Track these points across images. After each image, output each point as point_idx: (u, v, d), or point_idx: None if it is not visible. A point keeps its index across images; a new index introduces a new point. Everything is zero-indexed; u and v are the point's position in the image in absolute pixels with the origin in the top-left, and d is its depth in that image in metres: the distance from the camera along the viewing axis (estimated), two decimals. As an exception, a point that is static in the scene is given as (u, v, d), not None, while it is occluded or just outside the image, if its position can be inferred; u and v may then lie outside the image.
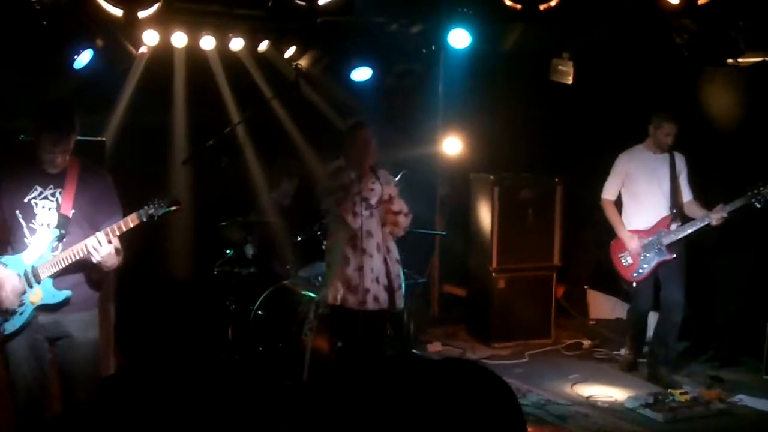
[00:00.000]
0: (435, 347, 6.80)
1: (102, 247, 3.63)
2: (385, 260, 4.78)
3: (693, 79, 6.30)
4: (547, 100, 7.10)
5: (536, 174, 7.16)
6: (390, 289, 4.79)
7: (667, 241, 5.69)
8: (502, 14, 5.07)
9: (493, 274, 6.92)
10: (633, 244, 5.78)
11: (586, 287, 7.77)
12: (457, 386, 1.31)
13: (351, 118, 5.02)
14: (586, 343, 6.94)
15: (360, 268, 4.65)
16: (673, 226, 5.72)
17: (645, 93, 6.48)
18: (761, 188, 5.35)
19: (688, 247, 5.81)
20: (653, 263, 5.75)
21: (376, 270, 4.71)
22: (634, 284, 5.93)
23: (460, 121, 7.58)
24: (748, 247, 6.28)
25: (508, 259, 6.96)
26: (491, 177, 6.96)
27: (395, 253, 4.88)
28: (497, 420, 1.31)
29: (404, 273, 6.01)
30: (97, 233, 3.65)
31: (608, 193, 5.98)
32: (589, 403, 5.52)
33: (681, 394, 5.39)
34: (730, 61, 5.63)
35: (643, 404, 5.31)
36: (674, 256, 5.69)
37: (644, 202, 5.82)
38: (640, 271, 5.80)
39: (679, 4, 4.57)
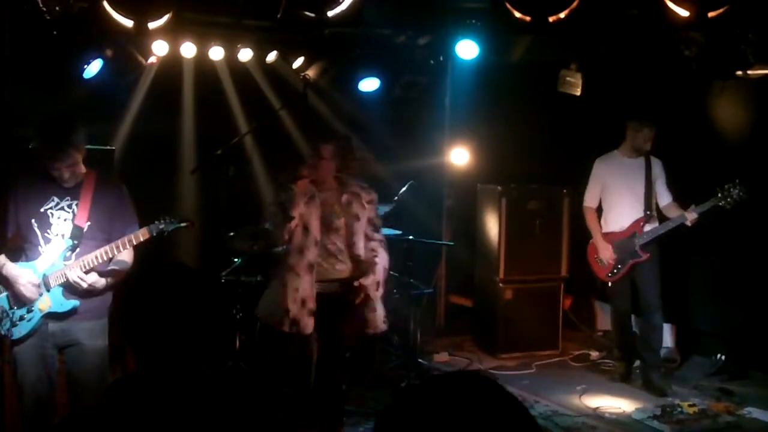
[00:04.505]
0: (441, 357, 6.79)
1: (88, 277, 3.75)
2: None
3: (701, 92, 6.29)
4: (555, 111, 7.09)
5: (544, 185, 7.16)
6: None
7: (640, 242, 5.85)
8: (510, 26, 5.05)
9: (500, 285, 6.91)
10: (606, 253, 5.97)
11: (593, 299, 7.74)
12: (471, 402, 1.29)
13: None
14: (594, 354, 6.92)
15: None
16: (647, 228, 5.88)
17: (653, 105, 6.47)
18: (730, 189, 5.46)
19: (689, 255, 5.83)
20: (627, 264, 5.90)
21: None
22: (610, 284, 6.10)
23: (467, 132, 7.59)
24: (755, 258, 6.24)
25: (515, 270, 6.95)
26: (498, 188, 6.96)
27: None
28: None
29: (411, 283, 6.06)
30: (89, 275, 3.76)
31: (588, 201, 6.18)
32: (596, 414, 5.49)
33: (689, 406, 5.37)
34: (739, 73, 5.63)
35: (651, 416, 5.29)
36: (648, 255, 5.82)
37: (619, 206, 5.99)
38: (615, 271, 5.98)
39: (688, 17, 4.55)
